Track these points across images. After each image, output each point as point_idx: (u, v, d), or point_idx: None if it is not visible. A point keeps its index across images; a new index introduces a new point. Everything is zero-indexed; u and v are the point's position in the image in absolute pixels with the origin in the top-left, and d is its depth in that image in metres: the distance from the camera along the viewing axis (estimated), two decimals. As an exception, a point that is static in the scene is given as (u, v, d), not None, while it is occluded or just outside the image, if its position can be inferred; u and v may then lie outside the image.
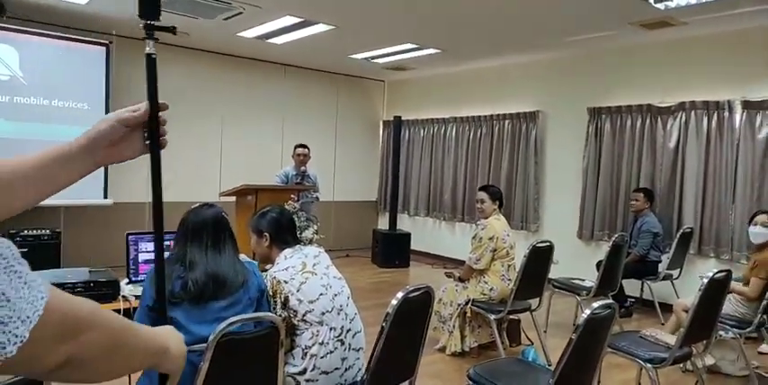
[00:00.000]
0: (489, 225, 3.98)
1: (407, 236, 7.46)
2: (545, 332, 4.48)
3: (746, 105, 4.98)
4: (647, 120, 5.69)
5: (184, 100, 6.82)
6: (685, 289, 5.18)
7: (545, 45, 6.04)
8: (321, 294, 2.30)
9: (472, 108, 7.43)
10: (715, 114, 5.19)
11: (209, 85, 7.00)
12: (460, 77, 7.64)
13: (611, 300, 2.29)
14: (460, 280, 4.11)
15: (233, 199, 5.26)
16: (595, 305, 2.20)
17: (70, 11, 5.30)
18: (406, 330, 2.18)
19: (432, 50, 6.48)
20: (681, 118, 5.44)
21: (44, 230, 5.17)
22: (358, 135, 8.59)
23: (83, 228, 5.87)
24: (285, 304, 2.24)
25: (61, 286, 2.26)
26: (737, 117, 5.05)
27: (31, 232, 5.09)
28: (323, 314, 2.26)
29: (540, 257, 3.84)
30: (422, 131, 8.14)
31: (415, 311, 2.21)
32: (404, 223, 8.04)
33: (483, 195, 4.11)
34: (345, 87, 8.38)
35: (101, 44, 5.52)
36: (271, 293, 2.26)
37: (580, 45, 5.94)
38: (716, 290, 2.90)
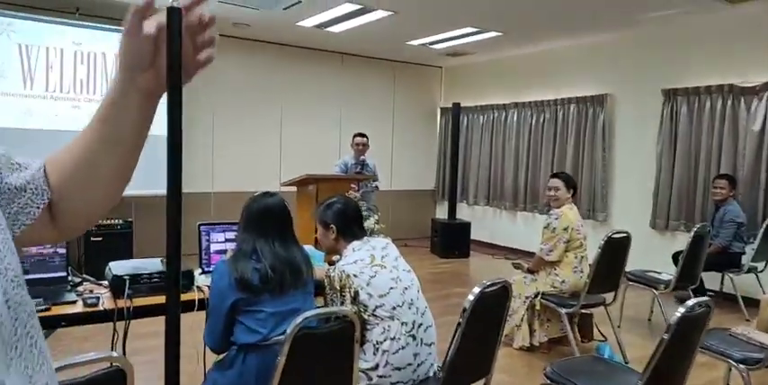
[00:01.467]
0: (563, 214, 3.79)
1: (467, 225, 7.31)
2: (619, 327, 4.25)
3: None
4: (729, 102, 5.28)
5: (244, 91, 6.90)
6: (772, 282, 4.82)
7: (614, 23, 5.70)
8: (391, 288, 2.23)
9: (534, 93, 7.15)
10: (809, 93, 4.75)
11: (269, 76, 7.04)
12: (521, 61, 7.36)
13: (706, 298, 2.10)
14: (530, 271, 3.95)
15: (293, 189, 5.27)
16: (690, 303, 2.03)
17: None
18: (482, 326, 2.08)
19: (492, 34, 6.25)
20: (766, 98, 5.01)
21: (117, 220, 5.37)
22: (415, 123, 8.47)
23: (153, 219, 6.04)
24: (355, 298, 2.18)
25: (138, 277, 2.31)
26: (835, 95, 4.60)
27: (104, 222, 5.29)
28: (393, 308, 2.19)
29: (616, 249, 3.63)
30: (481, 118, 7.92)
31: (492, 306, 2.10)
32: (463, 212, 7.88)
33: (557, 182, 3.91)
34: (402, 75, 8.25)
35: (119, 31, 5.62)
36: (338, 287, 2.21)
37: (653, 22, 5.57)
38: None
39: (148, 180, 5.61)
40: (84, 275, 2.51)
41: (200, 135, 6.56)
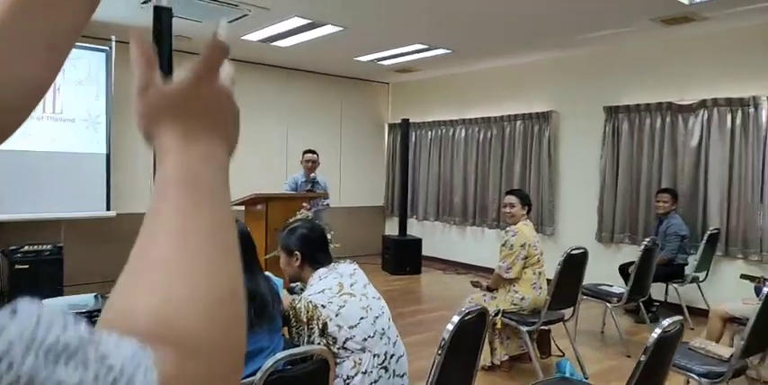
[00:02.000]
0: (520, 231, 3.78)
1: (418, 241, 7.26)
2: (574, 341, 4.28)
3: (772, 101, 4.82)
4: (667, 119, 5.52)
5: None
6: (712, 292, 5.02)
7: (558, 43, 5.87)
8: (362, 318, 2.10)
9: (481, 109, 7.25)
10: (739, 111, 5.03)
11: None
12: (468, 78, 7.45)
13: (680, 317, 2.10)
14: (489, 289, 3.91)
15: (241, 208, 5.05)
16: (666, 323, 2.02)
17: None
18: (459, 356, 1.98)
19: (442, 51, 6.30)
20: (703, 116, 5.27)
21: (45, 246, 4.95)
22: (363, 139, 8.40)
23: (85, 243, 5.64)
24: (323, 331, 2.04)
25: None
26: (764, 113, 4.89)
27: (32, 248, 4.86)
28: (365, 340, 2.06)
29: (575, 265, 3.65)
30: (429, 134, 7.95)
31: (469, 335, 2.01)
32: (413, 228, 7.84)
33: (512, 199, 3.91)
34: (350, 90, 8.18)
35: (100, 50, 5.30)
36: (305, 319, 2.06)
37: (595, 42, 5.77)
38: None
39: (79, 200, 5.27)
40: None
41: (144, 151, 6.20)
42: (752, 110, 4.94)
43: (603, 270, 5.29)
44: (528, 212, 3.92)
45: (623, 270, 5.14)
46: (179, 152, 0.45)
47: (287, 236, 2.32)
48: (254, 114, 7.20)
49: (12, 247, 4.81)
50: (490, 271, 6.79)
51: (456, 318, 1.88)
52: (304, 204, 5.00)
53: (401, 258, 7.04)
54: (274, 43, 6.04)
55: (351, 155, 8.19)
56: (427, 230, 7.91)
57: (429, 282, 6.82)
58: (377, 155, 8.61)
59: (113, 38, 5.45)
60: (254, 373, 1.51)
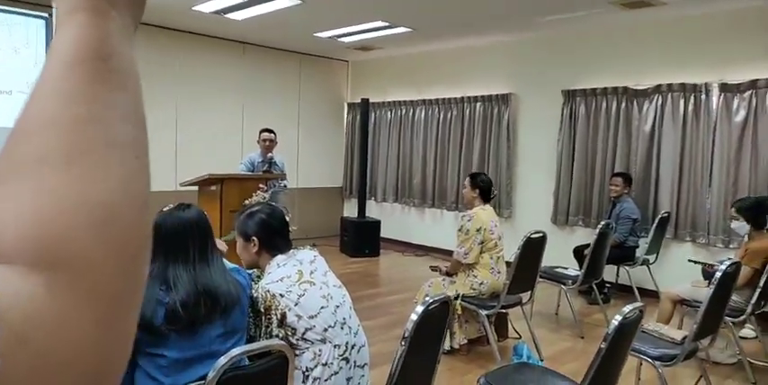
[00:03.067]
0: (475, 216, 3.76)
1: (377, 223, 7.21)
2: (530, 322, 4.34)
3: (724, 88, 4.94)
4: (623, 104, 5.60)
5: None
6: (661, 274, 5.18)
7: (518, 25, 5.83)
8: (322, 307, 2.02)
9: (442, 90, 7.18)
10: (692, 97, 5.14)
11: (162, 65, 6.43)
12: (429, 58, 7.35)
13: (640, 303, 2.11)
14: (447, 274, 3.90)
15: (194, 189, 4.85)
16: (626, 309, 2.02)
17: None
18: (421, 347, 1.93)
19: (402, 29, 6.16)
20: (657, 101, 5.37)
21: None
22: (322, 118, 8.21)
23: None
24: (282, 321, 1.95)
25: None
26: (714, 100, 5.02)
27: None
28: (325, 330, 1.99)
29: (534, 249, 3.67)
30: (388, 114, 7.84)
31: (433, 325, 1.96)
32: (371, 210, 7.77)
33: (465, 182, 3.92)
34: (308, 68, 7.95)
35: (40, 17, 4.91)
36: (263, 309, 1.96)
37: (555, 25, 5.76)
38: (724, 283, 2.79)
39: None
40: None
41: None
42: (703, 96, 5.05)
43: (558, 252, 5.37)
44: (484, 197, 3.89)
45: (577, 252, 5.24)
46: (93, 15, 0.34)
47: (244, 220, 2.20)
48: (208, 90, 6.91)
49: None
50: (448, 253, 6.83)
51: (420, 309, 1.83)
52: (261, 185, 4.83)
53: (360, 240, 6.98)
54: (228, 15, 5.76)
55: (309, 134, 8.01)
56: (386, 212, 7.87)
57: (388, 264, 6.79)
58: (336, 135, 8.45)
59: (54, 5, 5.06)
60: (205, 376, 1.41)
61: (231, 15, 5.75)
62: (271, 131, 5.56)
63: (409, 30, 6.16)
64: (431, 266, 4.20)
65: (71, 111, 0.32)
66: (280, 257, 2.14)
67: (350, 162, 8.33)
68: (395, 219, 7.77)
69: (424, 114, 7.38)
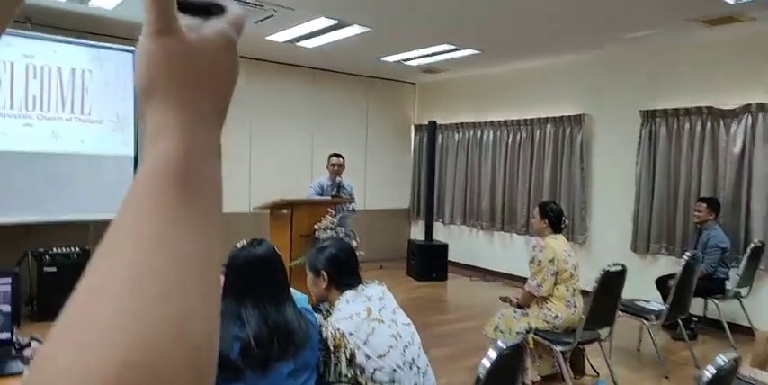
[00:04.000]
0: (547, 246, 3.61)
1: (444, 247, 7.11)
2: (610, 360, 4.10)
3: (825, 107, 4.54)
4: (708, 124, 5.27)
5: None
6: (756, 309, 4.77)
7: (590, 43, 5.65)
8: (390, 347, 1.98)
9: (511, 111, 7.05)
10: (788, 117, 4.75)
11: (237, 92, 6.68)
12: (498, 79, 7.26)
13: (734, 354, 1.93)
14: (519, 306, 3.75)
15: (267, 211, 4.99)
16: (720, 361, 1.84)
17: (95, 17, 5.06)
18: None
19: (470, 51, 6.12)
20: (746, 121, 5.01)
21: (73, 248, 4.94)
22: (389, 140, 8.27)
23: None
24: (351, 361, 1.92)
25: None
26: (814, 120, 4.62)
27: (59, 251, 4.86)
28: (394, 371, 1.94)
29: (613, 283, 3.47)
30: (456, 136, 7.78)
31: (505, 369, 1.87)
32: (438, 232, 7.69)
33: (534, 212, 3.79)
34: (376, 91, 8.05)
35: (127, 51, 5.27)
36: (332, 348, 1.94)
37: (630, 43, 5.53)
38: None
39: (107, 202, 5.25)
40: (33, 335, 2.16)
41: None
42: (802, 116, 4.66)
43: (639, 282, 5.07)
44: (554, 227, 3.72)
45: (660, 283, 4.93)
46: (182, 135, 0.35)
47: (315, 255, 2.21)
48: (280, 115, 7.13)
49: (40, 250, 4.81)
50: (518, 278, 6.67)
51: (492, 354, 1.75)
52: (329, 210, 4.90)
53: (427, 264, 6.90)
54: (299, 43, 5.94)
55: (376, 156, 8.08)
56: (453, 235, 7.76)
57: (455, 289, 6.67)
58: (403, 156, 8.47)
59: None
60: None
61: (302, 43, 5.93)
62: (339, 156, 5.64)
63: (476, 52, 6.12)
64: (501, 297, 4.06)
65: (151, 233, 0.31)
66: (349, 293, 2.12)
67: (417, 184, 8.32)
68: (462, 243, 7.64)
69: (493, 136, 7.26)
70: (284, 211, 4.80)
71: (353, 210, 5.56)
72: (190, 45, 0.38)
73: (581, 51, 6.00)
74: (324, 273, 2.14)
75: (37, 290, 4.76)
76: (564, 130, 6.43)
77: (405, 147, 8.50)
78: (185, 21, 0.38)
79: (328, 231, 4.79)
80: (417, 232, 8.03)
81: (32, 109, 4.86)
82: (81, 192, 5.04)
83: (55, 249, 4.87)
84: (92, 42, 5.22)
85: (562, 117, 6.44)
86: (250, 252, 1.89)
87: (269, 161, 6.94)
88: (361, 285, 2.18)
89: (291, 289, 2.54)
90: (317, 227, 4.81)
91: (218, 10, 0.43)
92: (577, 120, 6.30)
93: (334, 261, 2.17)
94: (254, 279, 1.83)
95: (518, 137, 6.94)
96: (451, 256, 7.21)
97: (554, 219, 3.74)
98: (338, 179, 5.55)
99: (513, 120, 6.98)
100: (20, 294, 4.64)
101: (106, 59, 5.20)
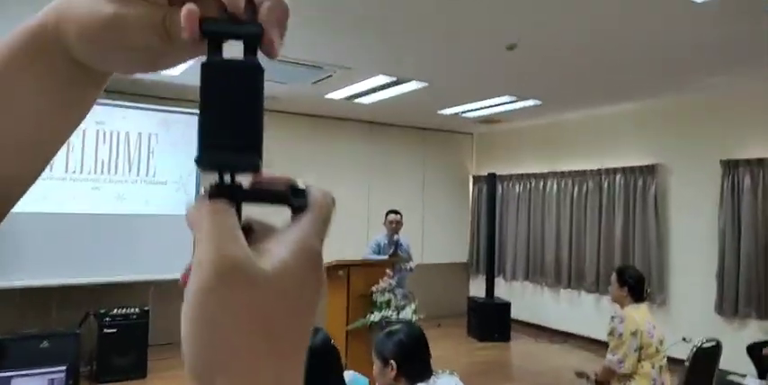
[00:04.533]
0: (627, 317, 3.26)
1: (507, 305, 6.74)
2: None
3: None
4: (800, 175, 4.82)
5: (272, 162, 6.61)
6: None
7: (663, 89, 5.36)
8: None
9: (575, 161, 6.76)
10: None
11: (293, 148, 6.78)
12: (559, 128, 7.03)
13: None
14: (598, 383, 3.38)
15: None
16: None
17: (163, 83, 5.26)
18: None
19: (530, 102, 5.96)
20: None
21: (133, 309, 4.96)
22: (446, 192, 8.10)
23: (171, 304, 5.64)
24: None
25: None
26: None
27: (120, 311, 4.90)
28: None
29: (706, 361, 3.08)
30: (517, 187, 7.53)
31: None
32: (499, 289, 7.31)
33: (612, 278, 3.45)
34: (432, 142, 7.97)
35: (193, 114, 5.42)
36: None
37: (708, 88, 5.22)
38: None
39: (169, 262, 5.31)
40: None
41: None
42: None
43: (727, 349, 4.56)
44: (634, 295, 3.38)
45: (753, 351, 4.41)
46: None
47: (382, 340, 2.03)
48: (336, 170, 7.13)
49: (102, 311, 4.86)
50: (587, 340, 6.19)
51: None
52: (387, 271, 4.73)
53: (488, 323, 6.54)
54: (357, 100, 5.97)
55: (434, 209, 7.90)
56: (516, 291, 7.37)
57: (520, 352, 6.25)
58: (461, 209, 8.26)
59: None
60: None
61: (360, 100, 5.96)
62: (397, 213, 5.51)
63: (537, 102, 5.95)
64: (577, 372, 3.68)
65: None
66: (418, 387, 1.92)
67: (476, 237, 8.04)
68: (526, 300, 7.22)
69: (557, 187, 6.96)
70: (340, 273, 4.67)
71: (411, 269, 5.36)
72: (266, 290, 0.25)
73: (651, 96, 5.72)
74: (392, 363, 1.95)
75: (98, 351, 4.76)
76: (636, 181, 6.07)
77: (463, 200, 8.30)
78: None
79: (386, 294, 4.62)
80: (477, 288, 7.69)
81: (101, 173, 5.03)
82: (144, 251, 5.12)
83: (116, 310, 4.90)
84: (160, 107, 5.42)
85: (633, 167, 6.10)
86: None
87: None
88: (432, 376, 1.98)
89: (351, 372, 2.35)
90: (374, 288, 4.64)
91: (297, 197, 0.33)
92: (650, 170, 5.94)
93: (402, 348, 1.98)
94: (308, 371, 1.68)
95: (584, 188, 6.62)
96: (514, 314, 6.81)
97: (635, 286, 3.40)
98: (396, 237, 5.40)
99: (578, 171, 6.68)
100: (80, 355, 4.73)
101: (173, 122, 5.37)
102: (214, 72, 0.30)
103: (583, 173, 6.62)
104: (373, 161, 7.41)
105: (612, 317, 3.36)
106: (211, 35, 0.30)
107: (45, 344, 4.39)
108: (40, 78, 0.34)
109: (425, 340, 2.08)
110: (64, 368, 4.08)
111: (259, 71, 0.31)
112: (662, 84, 5.12)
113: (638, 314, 3.31)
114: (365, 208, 7.23)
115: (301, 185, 0.33)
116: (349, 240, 6.22)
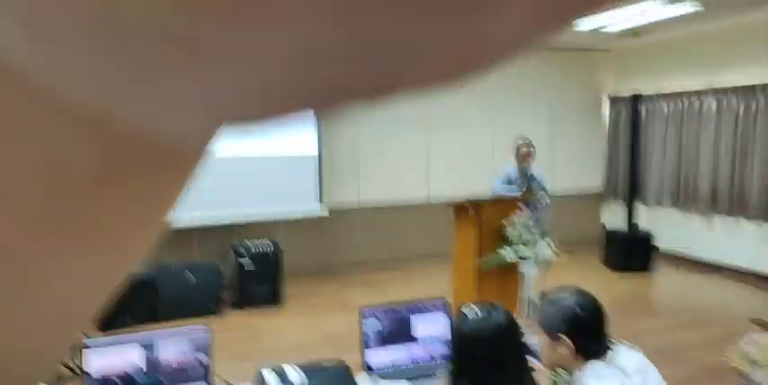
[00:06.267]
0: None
1: (649, 235, 6.20)
2: None
3: None
4: None
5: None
6: None
7: None
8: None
9: (739, 75, 5.74)
10: None
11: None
12: (717, 36, 5.94)
13: None
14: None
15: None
16: None
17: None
18: None
19: (686, 8, 5.03)
20: None
21: (264, 240, 5.28)
22: (576, 115, 7.39)
23: (300, 239, 5.86)
24: None
25: None
26: None
27: (254, 243, 5.20)
28: None
29: None
30: (664, 108, 6.65)
31: None
32: (639, 216, 6.67)
33: None
34: (562, 63, 7.10)
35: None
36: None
37: None
38: None
39: (294, 201, 5.50)
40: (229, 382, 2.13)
41: (347, 152, 6.20)
42: None
43: None
44: None
45: None
46: None
47: (548, 310, 1.78)
48: (458, 94, 6.67)
49: (234, 242, 5.21)
50: (746, 273, 5.54)
51: None
52: (520, 205, 4.44)
53: (626, 253, 6.07)
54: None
55: (563, 136, 7.26)
56: (657, 218, 6.72)
57: (665, 285, 5.79)
58: (593, 134, 7.52)
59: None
60: None
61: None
62: (528, 143, 5.05)
63: (697, 9, 5.00)
64: (752, 319, 3.27)
65: None
66: (597, 365, 1.67)
67: (614, 163, 7.38)
68: (670, 228, 6.55)
69: (716, 106, 6.04)
70: (470, 213, 4.46)
71: (547, 204, 4.97)
72: None
73: None
74: (566, 340, 1.71)
75: (237, 280, 5.07)
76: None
77: (596, 123, 7.55)
78: None
79: (519, 227, 4.35)
80: (612, 216, 7.16)
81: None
82: (273, 192, 5.40)
83: (250, 243, 5.20)
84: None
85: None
86: (475, 327, 1.60)
87: (447, 143, 6.61)
88: (609, 351, 1.72)
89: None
90: (506, 222, 4.38)
91: None
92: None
93: (576, 322, 1.72)
94: (477, 358, 1.56)
95: (753, 106, 5.67)
96: (656, 243, 6.25)
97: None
98: (528, 169, 4.99)
99: (744, 87, 5.71)
100: (223, 285, 5.11)
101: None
102: None
103: (752, 88, 5.64)
104: (496, 86, 6.80)
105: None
106: None
107: (189, 275, 4.76)
108: None
109: (601, 310, 1.80)
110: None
111: None
112: None
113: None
114: (488, 134, 6.81)
115: None
116: (473, 168, 5.98)
